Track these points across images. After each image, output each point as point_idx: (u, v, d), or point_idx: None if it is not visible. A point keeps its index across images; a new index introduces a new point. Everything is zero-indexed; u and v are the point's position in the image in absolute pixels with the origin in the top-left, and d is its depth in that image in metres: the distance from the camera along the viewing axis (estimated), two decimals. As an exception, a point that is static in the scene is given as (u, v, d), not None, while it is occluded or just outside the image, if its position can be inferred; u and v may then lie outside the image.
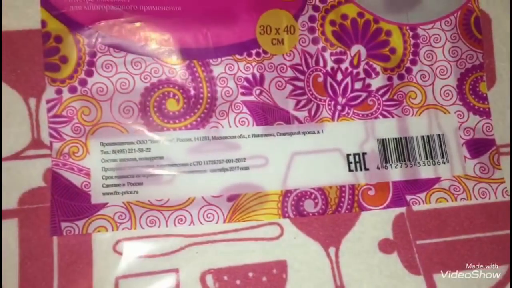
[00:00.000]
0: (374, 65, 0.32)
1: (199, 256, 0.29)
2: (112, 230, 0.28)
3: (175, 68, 0.30)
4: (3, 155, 0.28)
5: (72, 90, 0.29)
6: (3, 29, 0.29)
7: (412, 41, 0.32)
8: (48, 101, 0.28)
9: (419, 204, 0.31)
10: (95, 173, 0.29)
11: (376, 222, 0.31)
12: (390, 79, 0.32)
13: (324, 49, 0.32)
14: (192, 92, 0.30)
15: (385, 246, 0.31)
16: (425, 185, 0.32)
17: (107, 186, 0.29)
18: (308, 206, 0.30)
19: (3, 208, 0.28)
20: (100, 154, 0.29)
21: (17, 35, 0.29)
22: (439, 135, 0.32)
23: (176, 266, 0.29)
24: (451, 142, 0.32)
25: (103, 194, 0.29)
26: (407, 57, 0.32)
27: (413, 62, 0.32)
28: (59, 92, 0.29)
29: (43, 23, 0.29)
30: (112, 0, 0.29)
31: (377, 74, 0.32)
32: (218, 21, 0.31)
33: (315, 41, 0.32)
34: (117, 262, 0.28)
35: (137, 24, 0.29)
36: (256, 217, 0.30)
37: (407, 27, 0.32)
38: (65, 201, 0.28)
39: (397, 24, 0.32)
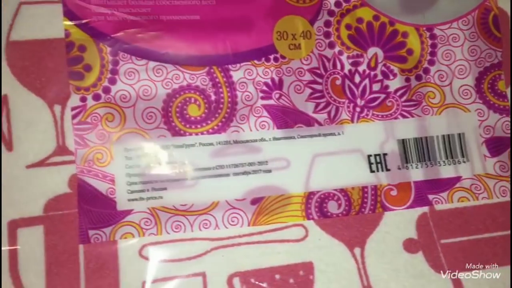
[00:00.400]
0: (392, 67, 0.32)
1: (225, 259, 0.29)
2: (139, 236, 0.28)
3: (196, 74, 0.30)
4: (28, 162, 0.28)
5: (96, 97, 0.29)
6: (27, 38, 0.29)
7: (430, 42, 0.33)
8: (73, 109, 0.29)
9: (442, 203, 0.31)
10: (119, 179, 0.29)
11: (399, 222, 0.31)
12: (407, 80, 0.32)
13: (340, 52, 0.32)
14: (213, 97, 0.30)
15: (410, 246, 0.31)
16: (447, 184, 0.32)
17: (132, 192, 0.29)
18: (332, 207, 0.30)
19: (29, 215, 0.28)
20: (124, 160, 0.29)
21: (42, 44, 0.29)
22: (459, 134, 0.32)
23: (203, 270, 0.29)
24: (471, 141, 0.32)
25: (128, 200, 0.29)
26: (425, 57, 0.33)
27: (431, 62, 0.33)
28: (83, 99, 0.29)
29: (67, 33, 0.29)
30: (133, 10, 0.30)
31: (394, 75, 0.32)
32: (235, 29, 0.31)
33: (331, 45, 0.32)
34: (144, 267, 0.28)
35: (158, 33, 0.30)
36: (280, 219, 0.30)
37: (424, 28, 0.33)
38: (92, 209, 0.28)
39: (413, 25, 0.33)
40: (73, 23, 0.29)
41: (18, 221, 0.28)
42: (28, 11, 0.29)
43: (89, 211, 0.28)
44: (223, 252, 0.29)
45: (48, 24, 0.29)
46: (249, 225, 0.29)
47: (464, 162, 0.32)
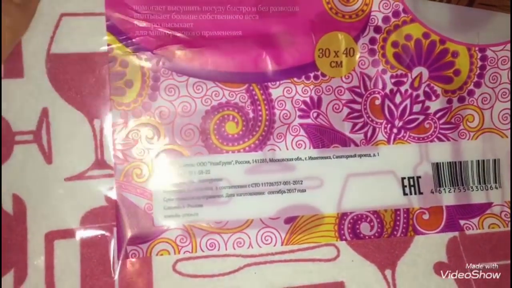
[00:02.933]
0: (435, 87, 0.32)
1: (258, 276, 0.30)
2: (174, 253, 0.29)
3: (235, 91, 0.30)
4: (67, 175, 0.29)
5: (137, 113, 0.29)
6: (69, 51, 0.29)
7: (480, 63, 0.32)
8: (113, 125, 0.29)
9: (473, 229, 0.32)
10: (157, 195, 0.29)
11: (430, 245, 0.31)
12: (449, 101, 0.32)
13: (384, 71, 0.31)
14: (251, 115, 0.30)
15: (440, 269, 0.31)
16: (478, 210, 0.32)
17: (169, 208, 0.29)
18: (364, 229, 0.31)
19: (66, 227, 0.29)
20: (162, 176, 0.29)
21: (83, 58, 0.29)
22: (494, 160, 0.32)
23: (235, 286, 0.29)
24: (505, 167, 0.32)
25: (165, 216, 0.29)
26: (472, 79, 0.32)
27: (477, 85, 0.32)
28: (124, 115, 0.29)
29: (109, 48, 0.29)
30: (176, 25, 0.29)
31: (437, 96, 0.32)
32: (277, 45, 0.30)
33: (375, 64, 0.31)
34: (177, 282, 0.29)
35: (200, 49, 0.30)
36: (314, 239, 0.30)
37: (476, 48, 0.32)
38: (130, 224, 0.29)
39: (465, 44, 0.32)
40: (115, 38, 0.29)
41: (55, 233, 0.28)
42: (69, 23, 0.29)
43: (127, 227, 0.29)
44: (255, 269, 0.30)
45: (90, 37, 0.29)
46: (282, 244, 0.30)
47: (496, 188, 0.32)
